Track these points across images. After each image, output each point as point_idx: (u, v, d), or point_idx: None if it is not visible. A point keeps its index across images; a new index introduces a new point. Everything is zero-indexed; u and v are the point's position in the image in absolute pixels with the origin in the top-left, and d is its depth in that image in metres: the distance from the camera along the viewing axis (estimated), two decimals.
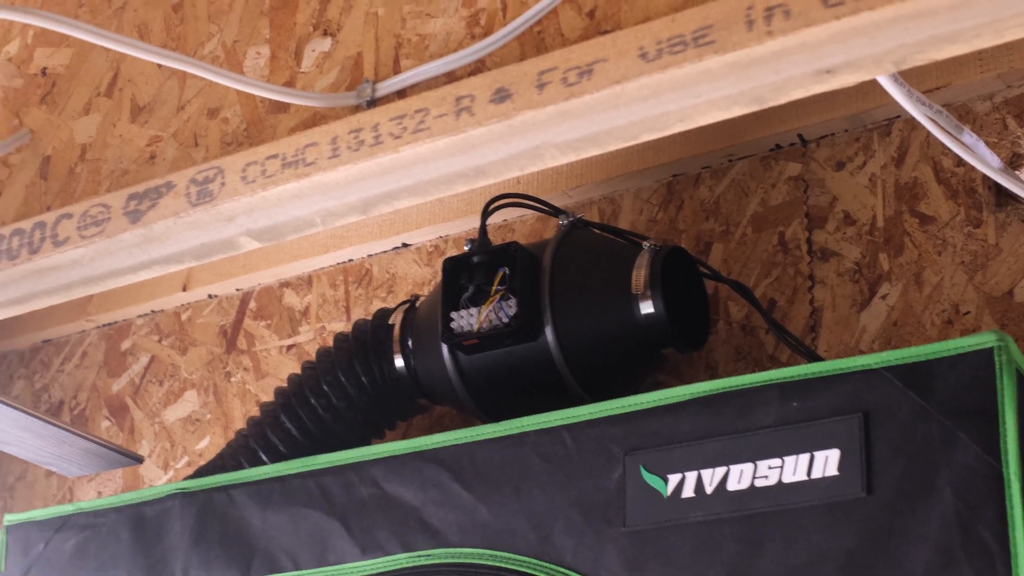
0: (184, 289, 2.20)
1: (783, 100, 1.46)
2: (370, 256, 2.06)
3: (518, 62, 1.57)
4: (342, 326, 2.03)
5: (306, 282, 2.11)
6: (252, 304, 2.16)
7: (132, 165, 1.83)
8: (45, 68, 1.99)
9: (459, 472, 1.56)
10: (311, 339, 2.08)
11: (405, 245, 2.03)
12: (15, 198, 1.92)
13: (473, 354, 1.68)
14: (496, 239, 1.72)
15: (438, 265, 1.97)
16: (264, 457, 1.82)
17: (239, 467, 1.82)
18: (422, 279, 2.01)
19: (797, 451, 1.37)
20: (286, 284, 2.13)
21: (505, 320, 1.64)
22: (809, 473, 1.36)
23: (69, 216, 1.78)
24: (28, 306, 1.88)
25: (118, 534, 1.78)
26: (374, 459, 1.63)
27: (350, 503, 1.63)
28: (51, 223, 1.80)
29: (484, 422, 1.65)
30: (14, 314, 1.92)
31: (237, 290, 2.18)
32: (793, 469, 1.37)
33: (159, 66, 1.86)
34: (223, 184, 1.67)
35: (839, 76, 1.41)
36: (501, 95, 1.55)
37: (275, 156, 1.64)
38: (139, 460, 2.11)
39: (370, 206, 1.66)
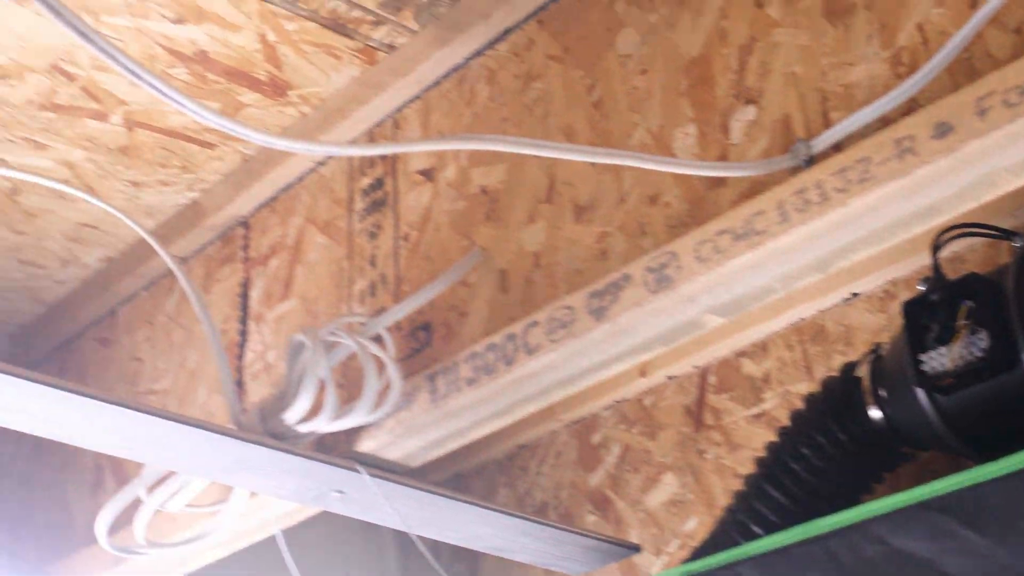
0: (642, 375, 2.23)
1: None
2: (821, 312, 2.04)
3: (952, 93, 1.54)
4: (806, 387, 2.01)
5: (761, 348, 2.11)
6: (711, 379, 2.18)
7: (584, 264, 1.88)
8: (484, 186, 2.07)
9: (968, 517, 1.52)
10: (777, 404, 2.07)
11: (854, 295, 2.00)
12: (480, 315, 2.00)
13: (951, 394, 1.64)
14: (948, 273, 1.67)
15: (892, 310, 1.93)
16: (757, 529, 1.82)
17: (734, 543, 1.82)
18: (878, 327, 1.98)
19: None
20: (742, 353, 2.14)
21: (978, 354, 1.59)
22: None
23: (535, 323, 1.84)
24: (510, 417, 1.96)
25: None
26: (875, 516, 1.60)
27: (859, 564, 1.60)
28: (520, 332, 1.86)
29: (975, 461, 1.60)
30: (498, 427, 2.00)
31: (694, 368, 2.19)
32: None
33: (591, 164, 1.90)
34: (679, 267, 1.70)
35: None
36: (942, 130, 1.52)
37: (725, 231, 1.66)
38: (636, 549, 2.14)
39: (827, 264, 1.66)
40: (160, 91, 1.46)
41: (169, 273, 2.67)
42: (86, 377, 2.83)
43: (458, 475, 2.55)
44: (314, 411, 1.97)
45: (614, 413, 2.32)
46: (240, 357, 2.42)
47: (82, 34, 1.40)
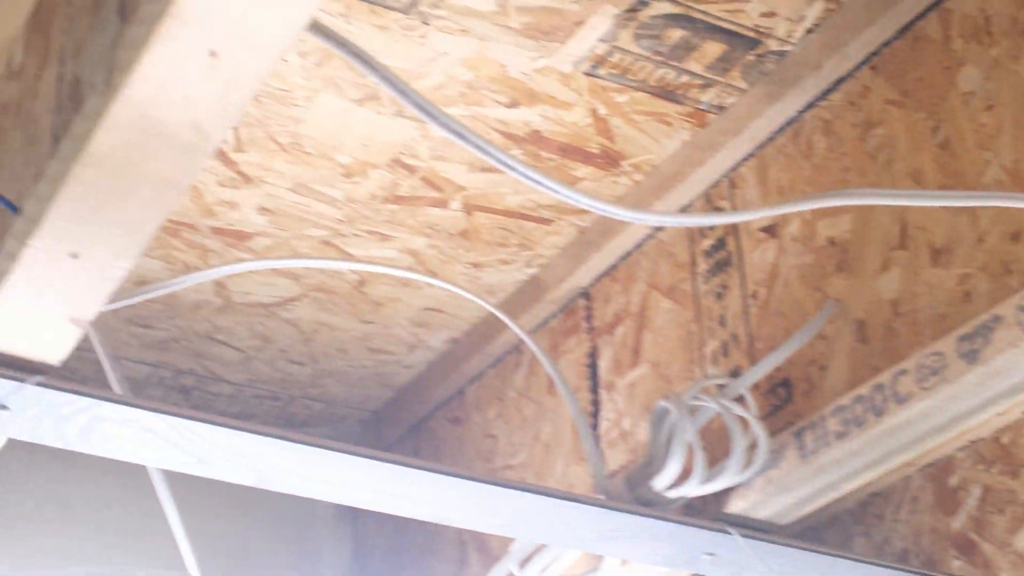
0: (998, 413, 2.18)
1: None
2: None
3: None
4: None
5: None
6: None
7: (947, 308, 1.85)
8: (831, 238, 2.06)
9: None
10: None
11: None
12: (841, 367, 1.99)
13: None
14: None
15: None
16: None
17: None
18: None
19: None
20: None
21: None
22: None
23: (904, 372, 1.82)
24: (882, 467, 1.94)
25: None
26: None
27: None
28: (888, 382, 1.85)
29: None
30: (869, 479, 1.98)
31: None
32: None
33: (944, 206, 1.88)
34: None
35: None
36: None
37: None
38: None
39: None
40: (529, 177, 1.51)
41: (514, 349, 2.73)
42: (441, 456, 2.91)
43: (809, 527, 2.53)
44: (683, 476, 1.99)
45: (970, 454, 2.28)
46: (595, 427, 2.46)
47: (456, 133, 1.46)
